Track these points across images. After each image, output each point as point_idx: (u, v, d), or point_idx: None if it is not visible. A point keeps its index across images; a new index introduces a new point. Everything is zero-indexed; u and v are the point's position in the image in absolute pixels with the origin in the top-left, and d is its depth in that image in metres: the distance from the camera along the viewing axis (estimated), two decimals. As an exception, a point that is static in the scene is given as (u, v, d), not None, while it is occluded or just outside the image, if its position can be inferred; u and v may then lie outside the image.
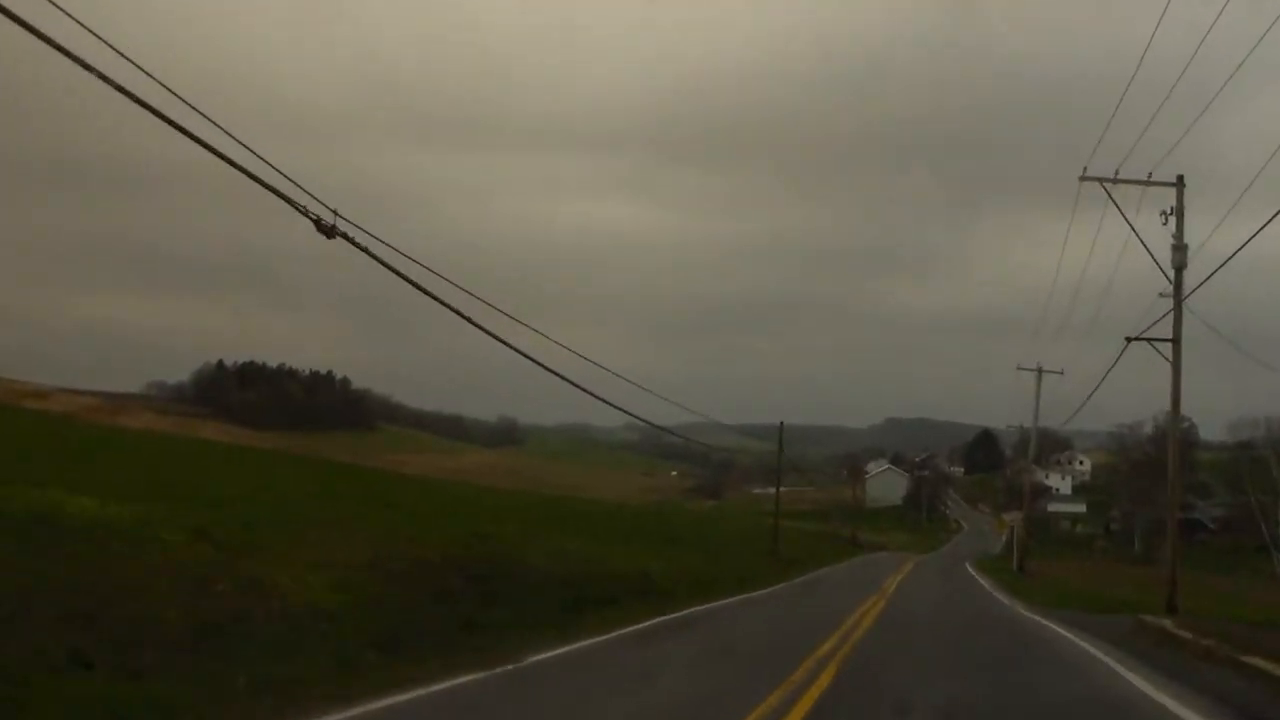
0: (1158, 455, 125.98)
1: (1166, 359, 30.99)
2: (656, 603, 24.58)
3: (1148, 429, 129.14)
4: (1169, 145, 41.04)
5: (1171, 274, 30.59)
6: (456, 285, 15.43)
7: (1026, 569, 63.98)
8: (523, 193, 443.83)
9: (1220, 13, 20.95)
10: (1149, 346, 31.40)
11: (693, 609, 24.55)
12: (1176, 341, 30.73)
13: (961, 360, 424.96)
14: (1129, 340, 31.91)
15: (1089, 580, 64.40)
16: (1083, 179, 31.65)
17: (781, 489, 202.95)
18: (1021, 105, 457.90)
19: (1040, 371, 62.20)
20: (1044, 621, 25.56)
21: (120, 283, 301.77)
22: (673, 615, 22.38)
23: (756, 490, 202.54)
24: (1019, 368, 63.13)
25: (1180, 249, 30.57)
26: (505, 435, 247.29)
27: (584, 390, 22.61)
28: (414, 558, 19.36)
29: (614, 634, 18.18)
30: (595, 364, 23.22)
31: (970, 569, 66.44)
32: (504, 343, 17.36)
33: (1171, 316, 30.55)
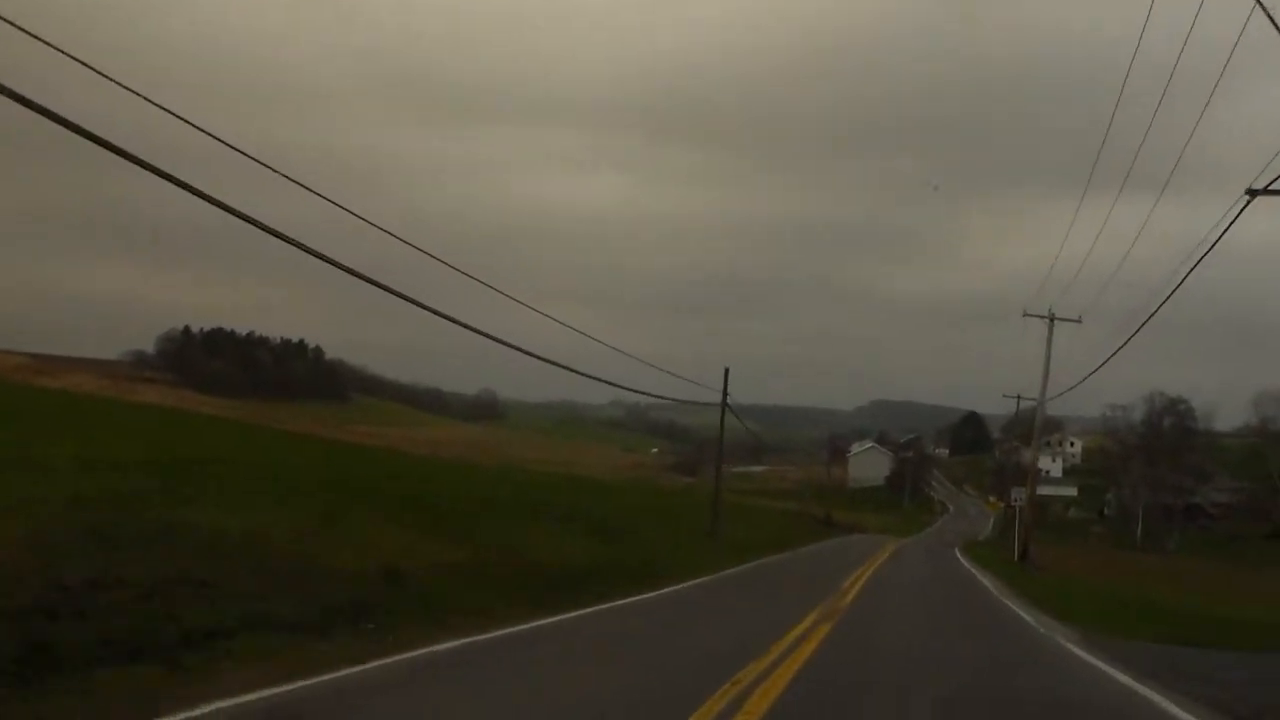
0: (1153, 438, 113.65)
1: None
2: (371, 629, 11.29)
3: (1138, 413, 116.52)
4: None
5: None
6: (435, 257, 15.30)
7: (1030, 558, 50.61)
8: (510, 168, 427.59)
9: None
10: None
11: (426, 650, 11.15)
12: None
13: (949, 344, 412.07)
14: (1252, 194, 18.53)
15: (1105, 573, 51.14)
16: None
17: (762, 468, 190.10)
18: (1016, 87, 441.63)
19: (1053, 319, 48.68)
20: (1150, 696, 11.78)
21: (98, 250, 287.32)
22: (320, 679, 8.92)
23: (738, 469, 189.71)
24: (1026, 314, 49.61)
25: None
26: (486, 410, 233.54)
27: (561, 366, 22.68)
28: None
29: None
30: (582, 333, 23.34)
31: (960, 557, 53.03)
32: (465, 325, 16.52)
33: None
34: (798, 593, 23.74)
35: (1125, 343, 39.25)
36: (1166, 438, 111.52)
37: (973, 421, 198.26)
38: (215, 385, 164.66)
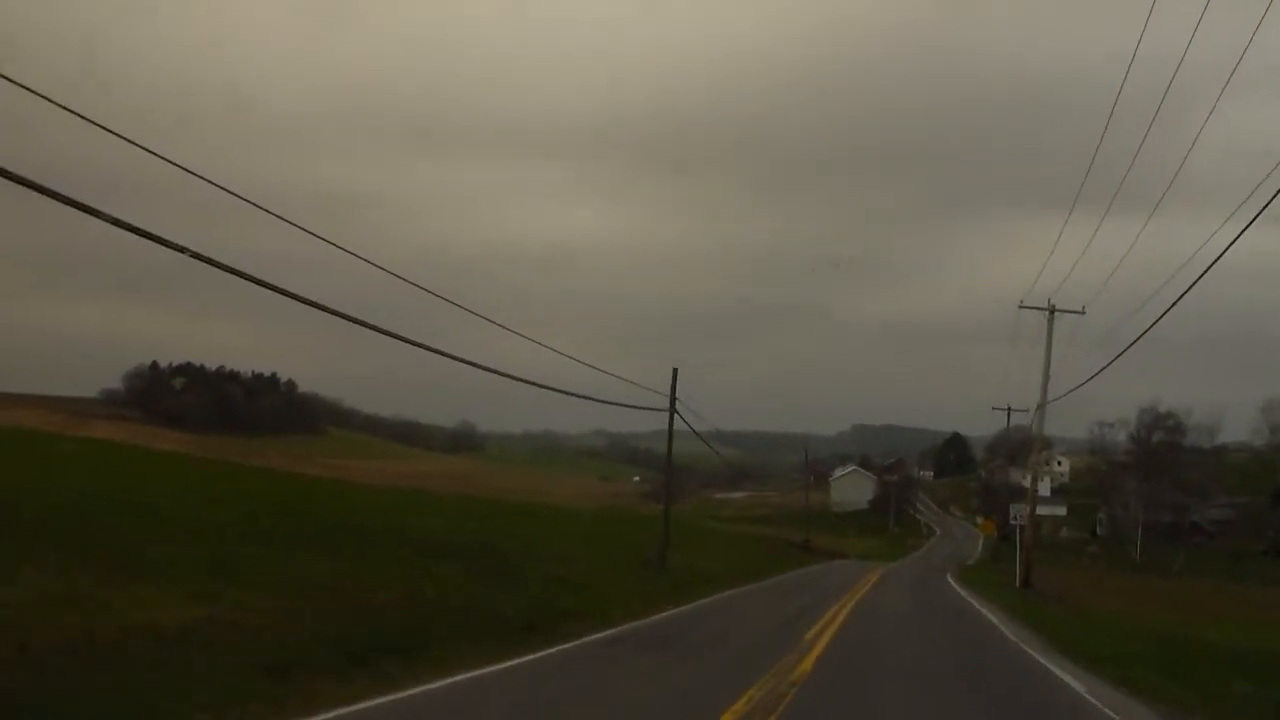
0: (1142, 455, 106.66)
1: None
2: None
3: (1125, 430, 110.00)
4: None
5: None
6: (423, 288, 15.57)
7: (1033, 585, 43.35)
8: (486, 198, 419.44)
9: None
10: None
11: None
12: None
13: (930, 367, 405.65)
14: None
15: (1121, 601, 44.01)
16: None
17: (742, 495, 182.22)
18: (992, 113, 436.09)
19: (1053, 310, 41.66)
20: None
21: (75, 289, 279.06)
22: None
23: (718, 496, 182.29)
24: (1022, 305, 42.55)
25: None
26: (464, 442, 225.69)
27: (534, 384, 22.75)
28: None
29: None
30: (562, 353, 22.24)
31: (955, 585, 45.68)
32: (440, 352, 17.42)
33: None
34: (742, 650, 16.35)
35: (1125, 350, 34.12)
36: (1156, 453, 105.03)
37: (956, 443, 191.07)
38: (182, 420, 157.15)
